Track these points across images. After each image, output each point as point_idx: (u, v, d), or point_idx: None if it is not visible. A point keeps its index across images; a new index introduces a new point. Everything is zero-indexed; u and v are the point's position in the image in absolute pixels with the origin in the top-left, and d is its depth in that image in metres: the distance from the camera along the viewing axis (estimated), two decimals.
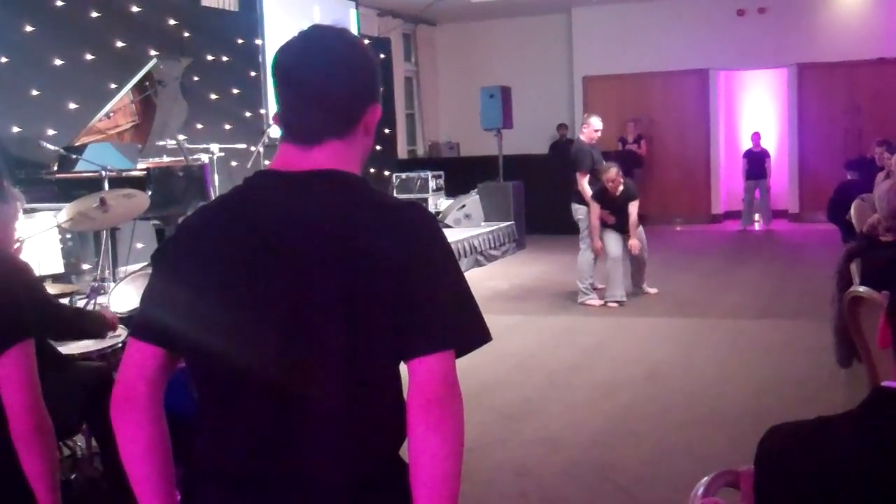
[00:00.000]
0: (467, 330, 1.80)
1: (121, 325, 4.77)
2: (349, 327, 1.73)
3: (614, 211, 9.73)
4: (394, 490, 1.76)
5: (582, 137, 9.99)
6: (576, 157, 9.88)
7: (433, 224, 1.85)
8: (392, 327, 1.74)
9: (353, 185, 1.84)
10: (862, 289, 4.27)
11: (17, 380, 2.32)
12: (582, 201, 9.80)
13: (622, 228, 9.77)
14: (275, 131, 11.75)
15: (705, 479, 1.82)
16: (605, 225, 9.74)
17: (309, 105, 1.84)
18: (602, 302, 9.73)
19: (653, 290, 10.29)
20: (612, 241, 9.69)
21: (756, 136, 16.88)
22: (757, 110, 18.21)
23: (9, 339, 2.33)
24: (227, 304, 1.78)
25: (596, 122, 9.92)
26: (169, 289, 1.85)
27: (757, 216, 17.05)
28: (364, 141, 1.91)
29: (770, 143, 17.27)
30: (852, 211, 7.60)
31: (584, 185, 9.68)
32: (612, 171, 9.60)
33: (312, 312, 1.74)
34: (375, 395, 1.78)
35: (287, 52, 1.86)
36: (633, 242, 9.76)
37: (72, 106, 9.82)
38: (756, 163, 16.78)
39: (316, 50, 1.84)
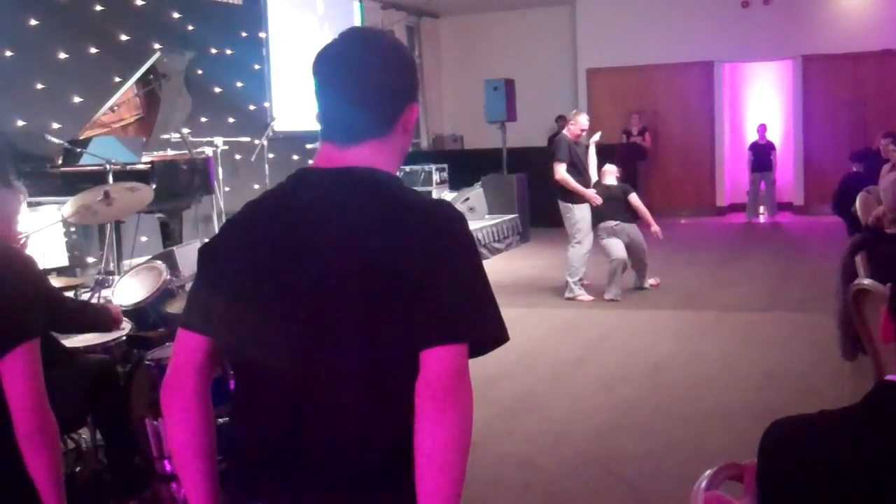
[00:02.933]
0: (483, 327, 1.83)
1: (125, 319, 4.77)
2: (369, 323, 1.78)
3: (616, 205, 9.84)
4: (404, 478, 1.79)
5: (566, 133, 9.93)
6: (554, 148, 9.84)
7: (459, 222, 1.88)
8: (409, 320, 1.77)
9: (383, 182, 1.89)
10: (867, 281, 4.26)
11: (22, 379, 2.31)
12: (567, 198, 9.74)
13: (622, 219, 9.88)
14: (278, 125, 11.79)
15: (708, 472, 1.82)
16: (603, 218, 9.78)
17: (349, 105, 1.89)
18: (592, 298, 9.72)
19: (654, 281, 10.27)
20: (616, 243, 9.71)
21: (762, 129, 16.85)
22: (762, 102, 18.17)
23: (15, 338, 2.33)
24: (257, 297, 1.86)
25: (583, 121, 9.83)
26: (212, 282, 1.94)
27: (762, 209, 17.02)
28: (402, 139, 1.97)
29: (775, 136, 17.24)
30: (857, 203, 7.57)
31: (564, 173, 9.60)
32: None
33: (334, 306, 1.80)
34: (392, 386, 1.81)
35: (327, 54, 1.92)
36: (655, 229, 9.95)
37: (76, 99, 9.83)
38: (762, 155, 16.75)
39: (356, 51, 1.91)
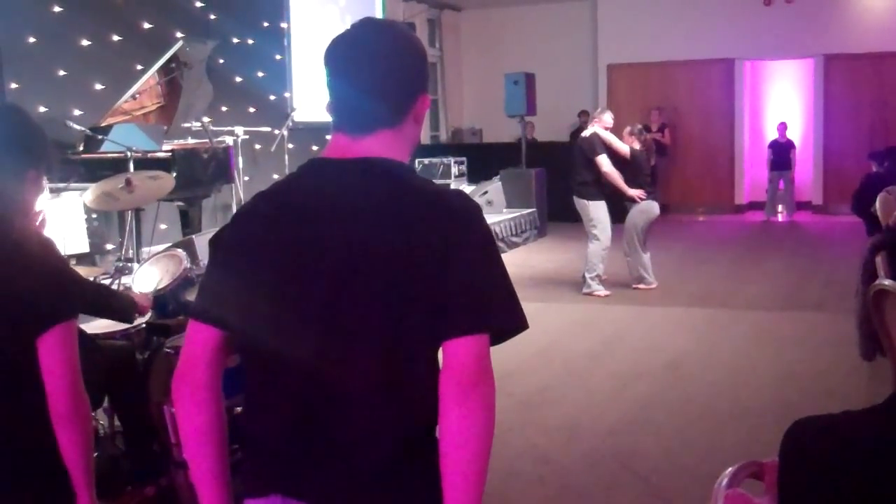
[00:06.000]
0: (503, 315, 1.84)
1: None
2: (388, 311, 1.79)
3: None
4: (426, 468, 1.80)
5: (596, 130, 9.85)
6: (588, 146, 9.73)
7: (475, 211, 1.88)
8: (430, 311, 1.78)
9: (397, 172, 1.89)
10: (887, 282, 4.24)
11: (60, 359, 2.32)
12: (583, 195, 9.68)
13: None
14: (298, 115, 11.80)
15: (729, 469, 1.82)
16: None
17: (361, 95, 1.89)
18: (608, 293, 9.69)
19: (641, 285, 9.96)
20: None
21: (782, 127, 16.78)
22: (782, 101, 18.09)
23: (53, 317, 2.34)
24: (273, 288, 1.86)
25: (608, 119, 9.84)
26: (224, 273, 1.93)
27: (780, 207, 16.96)
28: (413, 130, 1.97)
29: (795, 134, 17.16)
30: (878, 203, 7.54)
31: (611, 166, 9.55)
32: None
33: (353, 297, 1.80)
34: (412, 377, 1.82)
35: (339, 44, 1.92)
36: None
37: (98, 87, 9.87)
38: (781, 153, 16.68)
39: (368, 42, 1.91)
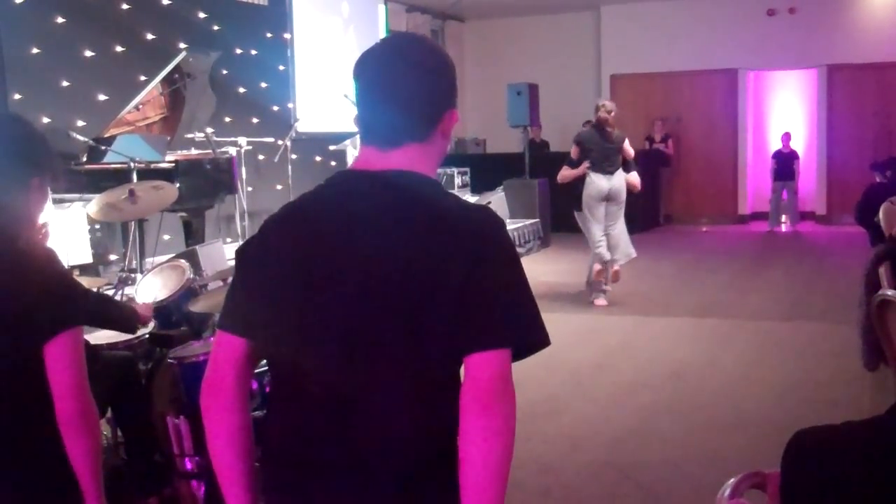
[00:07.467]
0: (526, 331, 1.85)
1: None
2: (410, 325, 1.79)
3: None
4: (445, 481, 1.81)
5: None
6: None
7: (499, 228, 1.89)
8: (452, 325, 1.78)
9: (423, 186, 1.90)
10: (890, 292, 4.24)
11: (67, 364, 2.33)
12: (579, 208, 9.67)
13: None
14: (301, 126, 11.81)
15: (732, 479, 1.82)
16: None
17: (390, 109, 1.90)
18: (607, 303, 9.67)
19: (601, 301, 9.78)
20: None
21: (786, 137, 16.78)
22: (786, 111, 18.09)
23: (59, 323, 2.34)
24: (296, 300, 1.87)
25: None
26: (250, 284, 1.95)
27: (784, 217, 16.95)
28: (441, 144, 1.99)
29: (798, 145, 17.16)
30: (881, 214, 7.51)
31: (560, 175, 9.57)
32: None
33: (375, 310, 1.81)
34: (432, 391, 1.83)
35: (370, 58, 1.93)
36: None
37: (101, 97, 9.89)
38: (785, 164, 16.68)
39: (398, 56, 1.92)
